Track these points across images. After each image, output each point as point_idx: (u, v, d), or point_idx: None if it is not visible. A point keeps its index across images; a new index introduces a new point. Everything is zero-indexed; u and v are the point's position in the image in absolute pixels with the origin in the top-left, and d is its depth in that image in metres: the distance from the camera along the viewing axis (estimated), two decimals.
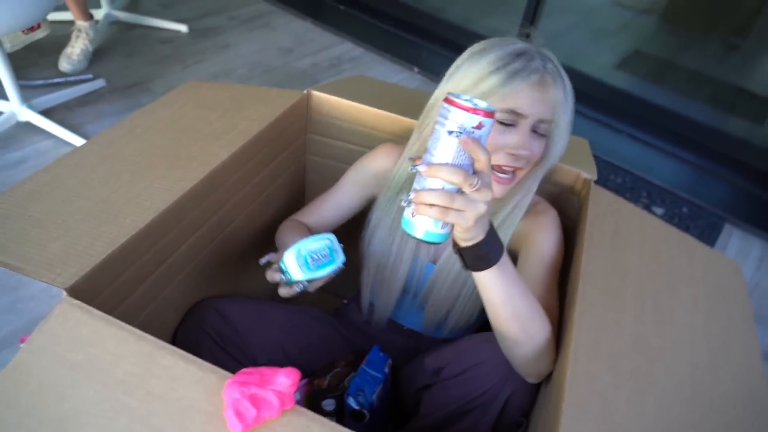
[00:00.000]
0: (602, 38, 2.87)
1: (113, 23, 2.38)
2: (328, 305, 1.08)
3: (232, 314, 0.81)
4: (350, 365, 0.87)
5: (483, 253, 0.58)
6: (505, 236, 0.78)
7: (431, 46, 2.57)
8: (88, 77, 2.00)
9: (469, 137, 0.50)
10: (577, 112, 2.32)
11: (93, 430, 0.49)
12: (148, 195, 0.70)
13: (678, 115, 2.23)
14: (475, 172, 0.52)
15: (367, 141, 0.99)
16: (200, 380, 0.52)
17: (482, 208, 0.53)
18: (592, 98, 2.34)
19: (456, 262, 0.81)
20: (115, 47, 2.24)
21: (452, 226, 0.55)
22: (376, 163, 0.86)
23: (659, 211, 1.83)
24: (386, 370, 0.84)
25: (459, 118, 0.49)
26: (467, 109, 0.49)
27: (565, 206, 0.90)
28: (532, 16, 2.33)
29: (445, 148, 0.51)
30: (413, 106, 1.00)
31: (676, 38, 2.76)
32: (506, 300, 0.61)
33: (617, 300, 0.69)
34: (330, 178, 1.05)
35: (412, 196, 0.53)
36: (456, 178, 0.51)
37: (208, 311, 0.80)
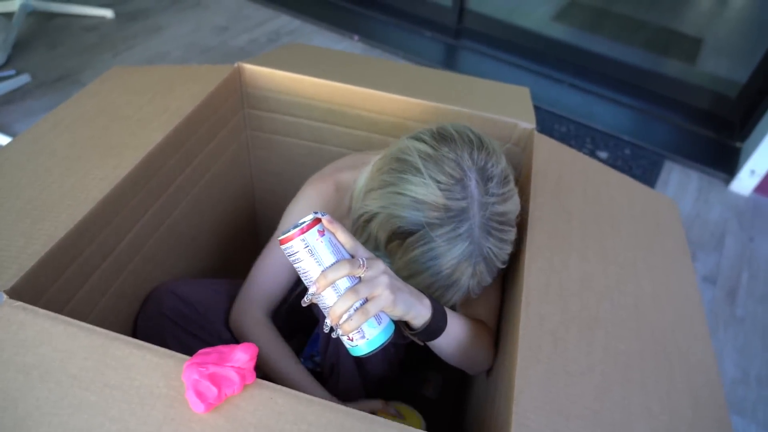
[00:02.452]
0: None
1: (31, 14, 2.23)
2: None
3: (190, 294, 0.80)
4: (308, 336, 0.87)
5: (433, 328, 0.60)
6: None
7: (370, 13, 2.52)
8: (11, 73, 1.88)
9: (327, 224, 0.52)
10: (518, 66, 2.34)
11: (53, 429, 0.48)
12: (83, 187, 0.67)
13: (615, 61, 2.29)
14: (351, 256, 0.53)
15: (307, 112, 0.97)
16: (157, 366, 0.51)
17: (385, 278, 0.52)
18: (531, 51, 2.37)
19: None
20: (36, 39, 2.11)
21: (385, 316, 0.54)
22: (314, 206, 0.78)
23: (603, 154, 1.89)
24: None
25: (301, 243, 0.50)
26: (302, 231, 0.50)
27: (513, 158, 0.92)
28: None
29: (311, 264, 0.51)
30: (351, 71, 0.99)
31: None
32: (456, 348, 0.65)
33: (564, 243, 0.71)
34: (275, 153, 1.04)
35: (328, 322, 0.52)
36: (342, 271, 0.50)
37: (165, 295, 0.79)
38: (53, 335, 0.53)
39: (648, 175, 1.83)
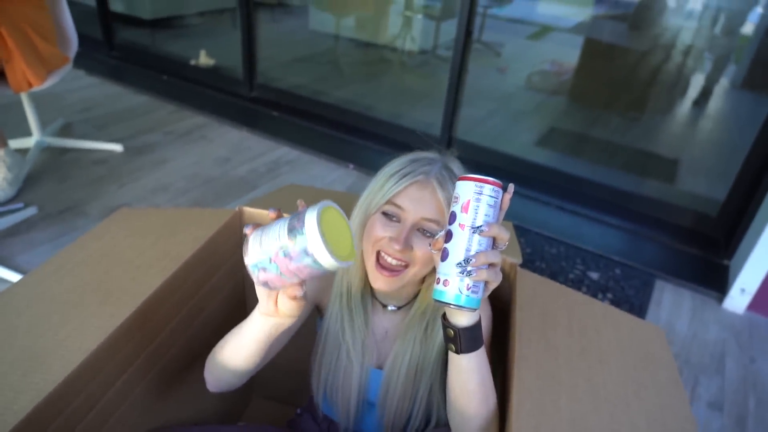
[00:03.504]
0: (520, 120, 3.13)
1: (46, 149, 2.39)
2: (281, 417, 1.05)
3: None
4: None
5: (477, 333, 0.66)
6: (440, 332, 0.81)
7: (364, 143, 2.70)
8: (19, 206, 1.97)
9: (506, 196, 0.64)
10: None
11: None
12: (78, 336, 0.69)
13: (598, 183, 2.41)
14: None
15: None
16: None
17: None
18: (518, 175, 2.50)
19: (402, 364, 0.83)
20: (48, 173, 2.23)
21: (481, 291, 0.62)
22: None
23: (594, 275, 1.92)
24: None
25: (492, 191, 0.62)
26: (493, 184, 0.62)
27: (498, 291, 0.94)
28: (452, 106, 2.52)
29: (489, 210, 0.61)
30: (344, 208, 1.05)
31: (583, 114, 3.04)
32: (481, 379, 0.68)
33: (553, 382, 0.71)
34: None
35: (474, 261, 0.60)
36: (506, 234, 0.62)
37: None
38: None
39: (641, 295, 1.84)
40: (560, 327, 0.81)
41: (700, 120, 3.02)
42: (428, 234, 0.74)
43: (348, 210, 0.82)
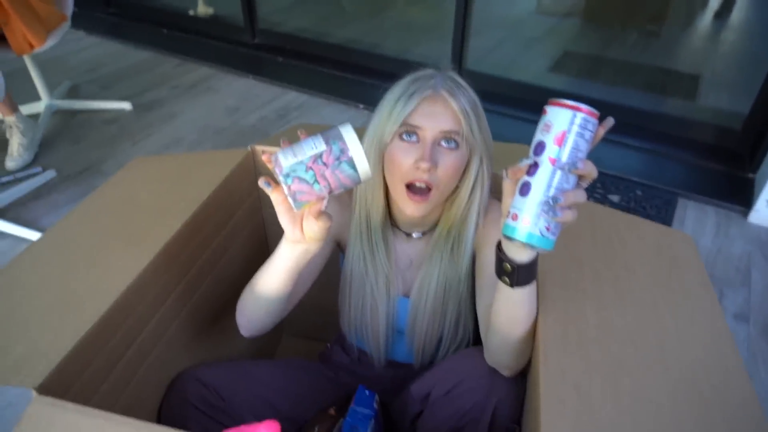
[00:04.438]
0: (532, 46, 3.01)
1: (56, 113, 2.39)
2: (311, 353, 1.08)
3: (214, 380, 0.80)
4: (340, 410, 0.86)
5: (534, 268, 0.62)
6: (467, 244, 0.81)
7: (372, 81, 2.64)
8: (37, 170, 1.99)
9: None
10: (522, 119, 2.40)
11: None
12: (107, 278, 0.71)
13: (616, 105, 2.34)
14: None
15: None
16: None
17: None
18: (533, 103, 2.42)
19: (429, 289, 0.83)
20: (61, 136, 2.24)
21: (558, 232, 0.58)
22: (332, 207, 0.86)
23: (615, 198, 1.89)
24: (375, 406, 0.84)
25: (590, 124, 0.55)
26: (592, 114, 0.55)
27: None
28: (461, 37, 2.43)
29: (575, 149, 0.54)
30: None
31: (599, 35, 2.90)
32: (531, 308, 0.65)
33: (577, 291, 0.71)
34: None
35: (561, 200, 0.55)
36: (596, 172, 0.56)
37: (189, 382, 0.79)
38: (82, 428, 0.54)
39: (663, 215, 1.82)
40: (583, 239, 0.81)
41: (723, 32, 2.87)
42: (451, 145, 0.73)
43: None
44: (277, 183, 0.59)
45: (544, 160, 0.55)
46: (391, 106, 0.73)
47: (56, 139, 2.22)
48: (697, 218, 1.83)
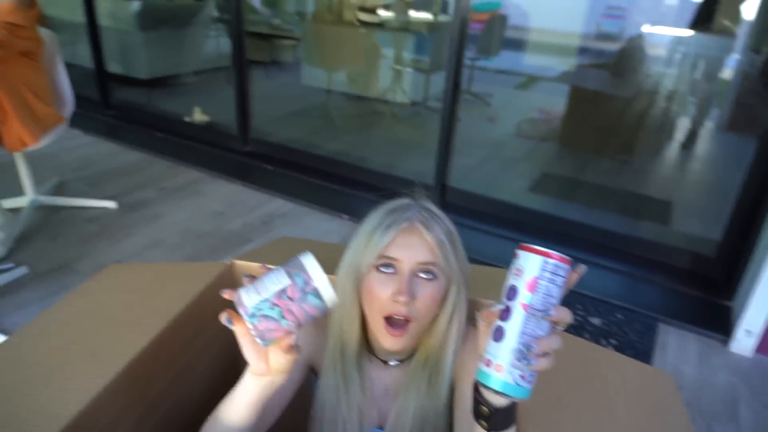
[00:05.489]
0: (512, 166, 3.16)
1: (39, 208, 2.38)
2: None
3: None
4: None
5: (513, 412, 0.60)
6: (446, 374, 0.78)
7: (357, 193, 2.72)
8: (9, 266, 1.94)
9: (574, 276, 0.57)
10: (501, 236, 2.44)
11: None
12: (60, 399, 0.66)
13: (593, 227, 2.41)
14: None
15: None
16: None
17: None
18: (513, 222, 2.50)
19: (405, 420, 0.79)
20: (40, 231, 2.22)
21: (534, 380, 0.56)
22: (307, 333, 0.84)
23: (596, 321, 1.89)
24: None
25: (562, 270, 0.55)
26: (564, 261, 0.55)
27: None
28: (444, 155, 2.55)
29: (547, 295, 0.54)
30: (340, 260, 1.03)
31: (574, 159, 3.08)
32: None
33: None
34: None
35: (535, 348, 0.53)
36: (570, 318, 0.55)
37: None
38: None
39: (644, 340, 1.81)
40: (563, 375, 0.78)
41: (689, 162, 3.06)
42: (428, 276, 0.73)
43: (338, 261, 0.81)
44: (239, 315, 0.58)
45: (517, 306, 0.54)
46: (367, 238, 0.74)
47: (35, 234, 2.20)
48: (679, 345, 1.82)
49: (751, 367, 1.73)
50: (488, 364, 0.55)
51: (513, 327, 0.54)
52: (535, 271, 0.54)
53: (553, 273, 0.54)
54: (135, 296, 0.88)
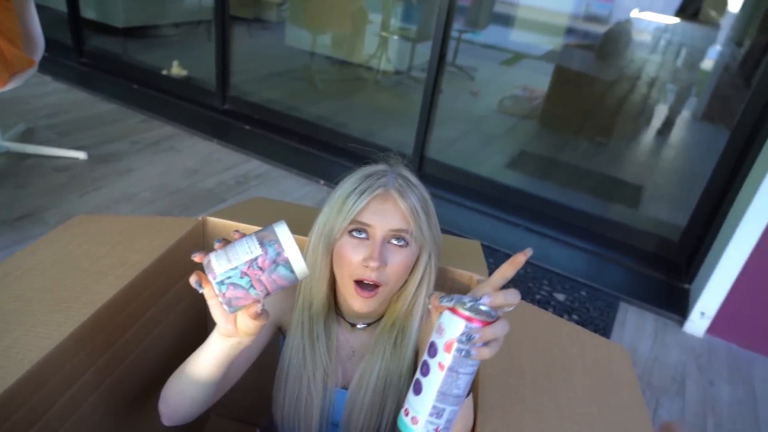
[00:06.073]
0: (491, 142, 3.17)
1: (5, 154, 2.30)
2: None
3: None
4: None
5: None
6: (411, 338, 0.80)
7: (335, 159, 2.70)
8: None
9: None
10: (475, 210, 2.46)
11: None
12: (22, 346, 0.65)
13: (566, 206, 2.45)
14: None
15: None
16: None
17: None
18: (488, 196, 2.52)
19: (370, 380, 0.81)
20: (5, 178, 2.15)
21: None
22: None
23: (561, 296, 1.94)
24: None
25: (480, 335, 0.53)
26: (484, 323, 0.53)
27: None
28: (425, 126, 2.54)
29: (466, 357, 0.53)
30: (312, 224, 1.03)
31: (553, 139, 3.10)
32: (465, 421, 0.64)
33: (517, 401, 0.70)
34: None
35: (477, 336, 0.52)
36: (516, 299, 0.56)
37: None
38: None
39: (605, 317, 1.87)
40: (525, 345, 0.81)
41: (664, 148, 3.12)
42: (400, 243, 0.74)
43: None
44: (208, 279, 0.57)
45: (435, 365, 0.54)
46: (341, 202, 0.74)
47: (0, 181, 2.13)
48: (636, 323, 1.88)
49: (702, 347, 1.82)
50: (406, 413, 0.56)
51: (430, 384, 0.54)
52: (455, 334, 0.53)
53: (472, 337, 0.53)
54: (103, 247, 0.87)
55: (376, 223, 0.73)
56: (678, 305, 1.97)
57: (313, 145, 2.81)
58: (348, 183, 0.76)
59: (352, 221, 0.73)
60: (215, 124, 2.95)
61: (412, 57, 3.71)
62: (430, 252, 0.78)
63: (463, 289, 0.95)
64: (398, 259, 0.74)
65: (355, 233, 0.74)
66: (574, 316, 1.85)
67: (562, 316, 1.84)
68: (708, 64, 2.83)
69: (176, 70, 3.35)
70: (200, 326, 1.04)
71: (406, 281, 0.79)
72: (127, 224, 0.95)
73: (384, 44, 3.63)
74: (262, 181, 2.45)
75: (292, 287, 0.84)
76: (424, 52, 2.46)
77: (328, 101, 3.52)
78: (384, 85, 3.74)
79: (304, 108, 3.18)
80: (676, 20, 2.89)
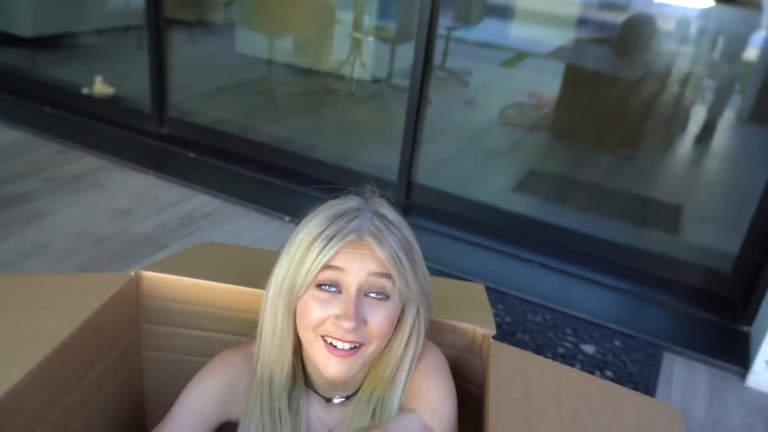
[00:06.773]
0: (494, 160, 3.22)
1: None
2: None
3: None
4: None
5: None
6: (393, 409, 0.80)
7: (302, 190, 2.71)
8: None
9: None
10: (477, 245, 2.49)
11: None
12: None
13: (588, 236, 2.48)
14: None
15: (219, 324, 0.98)
16: None
17: None
18: (492, 227, 2.55)
19: None
20: None
21: None
22: (218, 381, 0.85)
23: (589, 348, 1.94)
24: None
25: None
26: None
27: (468, 370, 0.94)
28: (411, 145, 2.57)
29: None
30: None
31: (568, 154, 3.15)
32: None
33: None
34: (177, 377, 1.02)
35: None
36: None
37: None
38: None
39: (646, 372, 1.87)
40: (547, 412, 0.81)
41: (704, 159, 3.18)
42: (380, 297, 0.74)
43: None
44: None
45: None
46: (304, 250, 0.74)
47: None
48: (687, 378, 1.89)
49: None
50: None
51: None
52: None
53: None
54: (8, 316, 0.86)
55: (350, 267, 0.73)
56: (737, 353, 1.99)
57: (275, 174, 2.82)
58: (312, 225, 0.76)
59: (320, 271, 0.73)
60: (151, 153, 2.96)
61: (392, 61, 3.78)
62: (417, 304, 0.79)
63: (464, 345, 0.95)
64: (380, 316, 0.74)
65: (324, 287, 0.74)
66: (608, 373, 1.85)
67: (592, 372, 1.84)
68: (752, 53, 2.90)
69: (100, 87, 3.37)
70: (136, 410, 1.03)
71: (390, 340, 0.79)
72: (38, 285, 0.94)
73: (357, 47, 3.70)
74: (212, 220, 2.44)
75: (246, 364, 0.83)
76: (407, 54, 2.51)
77: (291, 119, 3.56)
78: (359, 96, 3.80)
79: (262, 129, 3.21)
80: (710, 2, 2.98)
